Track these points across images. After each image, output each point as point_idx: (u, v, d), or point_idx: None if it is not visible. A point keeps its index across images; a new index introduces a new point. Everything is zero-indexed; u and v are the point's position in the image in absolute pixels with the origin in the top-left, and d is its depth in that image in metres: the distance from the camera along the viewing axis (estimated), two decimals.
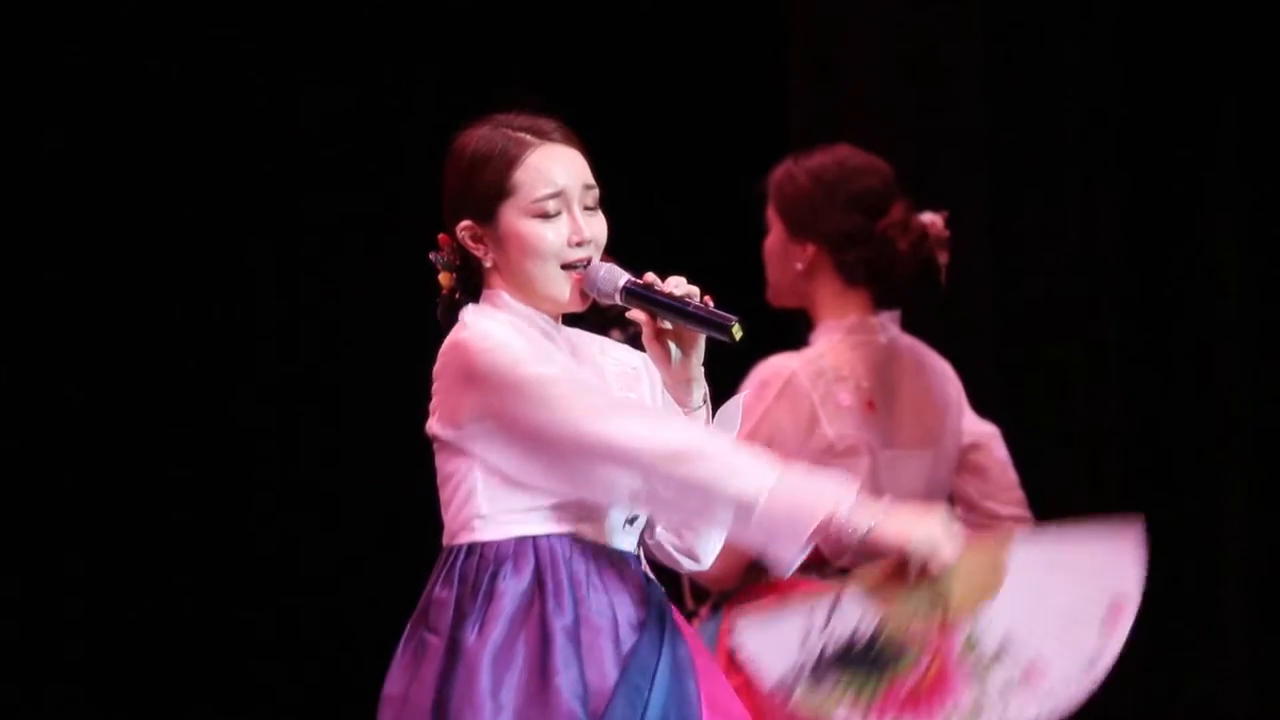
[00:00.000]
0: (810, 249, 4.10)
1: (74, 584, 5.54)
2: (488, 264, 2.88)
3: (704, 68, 5.63)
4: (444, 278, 2.92)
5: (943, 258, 4.13)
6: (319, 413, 5.69)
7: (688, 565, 2.91)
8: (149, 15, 5.48)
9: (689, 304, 2.77)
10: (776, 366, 4.05)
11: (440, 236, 2.91)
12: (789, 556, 2.70)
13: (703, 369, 2.84)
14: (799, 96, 5.49)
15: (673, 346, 2.83)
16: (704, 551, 2.90)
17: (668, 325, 2.84)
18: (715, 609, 4.12)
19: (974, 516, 4.25)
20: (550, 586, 2.77)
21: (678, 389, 2.84)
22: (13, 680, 5.44)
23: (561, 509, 2.80)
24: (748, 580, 4.07)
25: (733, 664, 4.00)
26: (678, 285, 2.80)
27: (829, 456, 4.03)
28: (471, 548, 2.82)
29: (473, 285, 2.91)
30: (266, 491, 5.67)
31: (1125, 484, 5.56)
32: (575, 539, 2.81)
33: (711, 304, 2.79)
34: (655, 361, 2.84)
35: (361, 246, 5.56)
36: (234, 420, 5.66)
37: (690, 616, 4.14)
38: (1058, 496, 5.06)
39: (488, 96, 2.98)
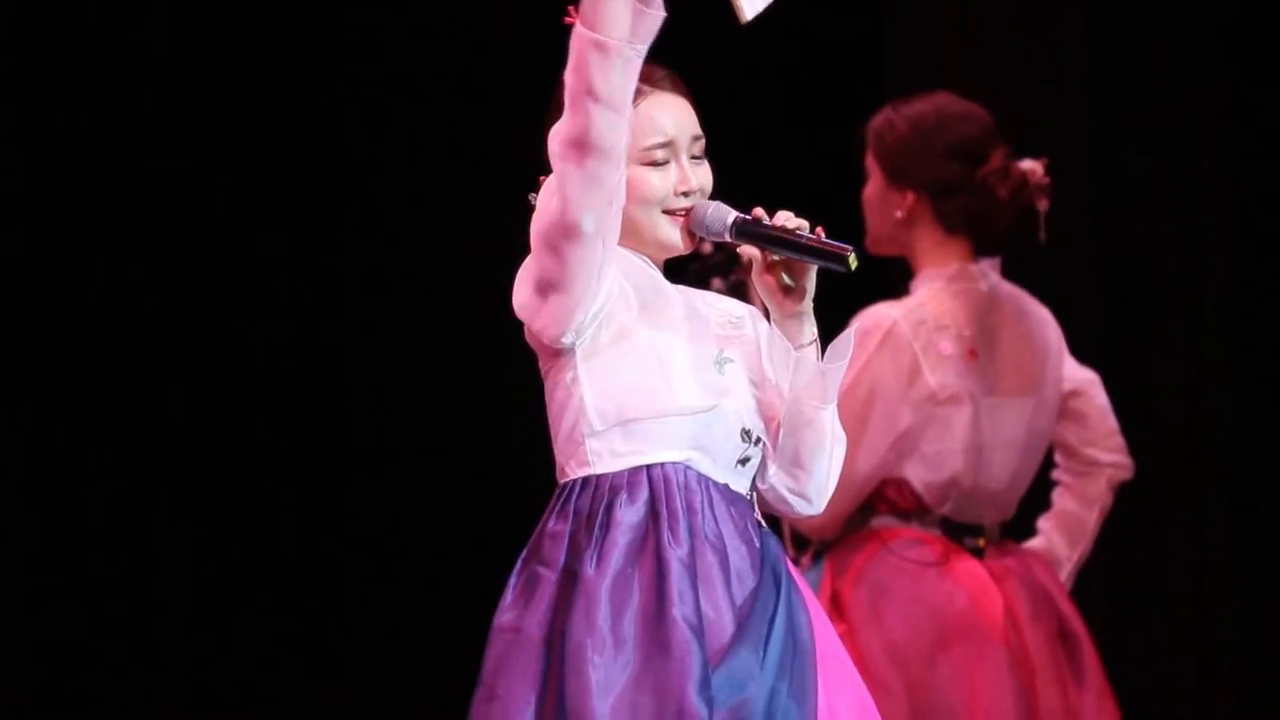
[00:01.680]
0: (910, 197, 4.10)
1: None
2: None
3: (802, 14, 5.62)
4: None
5: (1042, 205, 4.12)
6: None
7: (800, 507, 2.89)
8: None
9: (802, 236, 2.77)
10: (877, 316, 4.05)
11: (540, 178, 2.90)
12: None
13: (813, 305, 2.84)
14: (898, 45, 5.48)
15: (785, 279, 2.82)
16: (815, 492, 2.88)
17: (777, 260, 2.83)
18: (817, 558, 4.14)
19: (1074, 463, 4.25)
20: (665, 516, 2.76)
21: (788, 325, 2.83)
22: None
23: (675, 437, 2.81)
24: (849, 529, 4.10)
25: (836, 611, 4.03)
26: (789, 219, 2.80)
27: (932, 405, 4.04)
28: (586, 481, 2.82)
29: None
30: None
31: (1221, 425, 5.54)
32: (692, 469, 2.82)
33: (824, 235, 2.78)
34: (767, 297, 2.83)
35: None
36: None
37: (793, 565, 4.16)
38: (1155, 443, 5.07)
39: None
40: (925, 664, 4.02)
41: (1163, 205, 5.50)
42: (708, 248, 3.70)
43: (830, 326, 2.89)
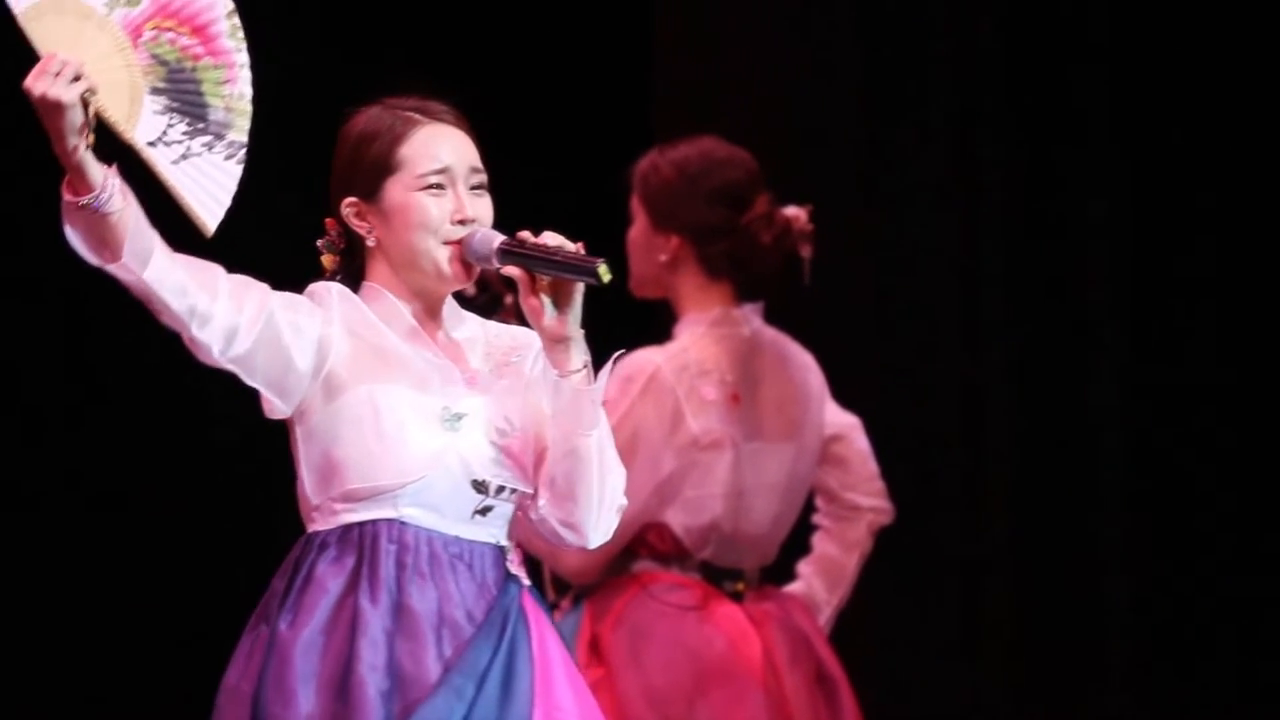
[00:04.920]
0: (674, 241, 4.10)
1: None
2: (370, 243, 2.87)
3: (570, 60, 5.63)
4: (327, 260, 2.92)
5: (806, 251, 4.14)
6: None
7: (571, 539, 2.86)
8: None
9: (556, 252, 2.77)
10: (640, 361, 4.05)
11: (327, 221, 2.90)
12: None
13: (582, 332, 2.82)
14: (664, 89, 5.50)
15: (546, 303, 2.81)
16: (585, 522, 2.85)
17: (543, 284, 2.82)
18: (577, 601, 4.12)
19: (835, 508, 4.27)
20: (366, 574, 2.77)
21: (555, 350, 2.81)
22: None
23: (390, 498, 2.80)
24: (609, 573, 4.08)
25: (595, 655, 4.02)
26: (549, 238, 2.79)
27: (694, 450, 4.04)
28: (309, 538, 2.83)
29: (355, 269, 2.90)
30: None
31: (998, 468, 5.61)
32: (407, 526, 2.80)
33: (583, 251, 2.77)
34: (533, 321, 2.81)
35: None
36: None
37: (552, 609, 4.14)
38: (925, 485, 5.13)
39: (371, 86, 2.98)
40: (684, 708, 4.02)
41: (934, 252, 5.56)
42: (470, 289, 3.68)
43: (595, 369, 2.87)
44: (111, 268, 2.64)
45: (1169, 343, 5.57)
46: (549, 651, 2.85)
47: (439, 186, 2.84)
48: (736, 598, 4.10)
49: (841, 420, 4.27)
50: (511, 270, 2.80)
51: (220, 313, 2.72)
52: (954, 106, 5.56)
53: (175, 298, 2.68)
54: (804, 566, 4.29)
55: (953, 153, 5.56)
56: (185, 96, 2.74)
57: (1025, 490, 5.60)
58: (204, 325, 2.72)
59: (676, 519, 4.06)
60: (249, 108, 2.78)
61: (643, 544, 4.08)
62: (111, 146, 2.66)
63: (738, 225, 4.10)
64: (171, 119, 2.74)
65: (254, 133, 2.80)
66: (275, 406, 2.83)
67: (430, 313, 2.90)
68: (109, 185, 2.58)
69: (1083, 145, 5.57)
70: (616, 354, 2.86)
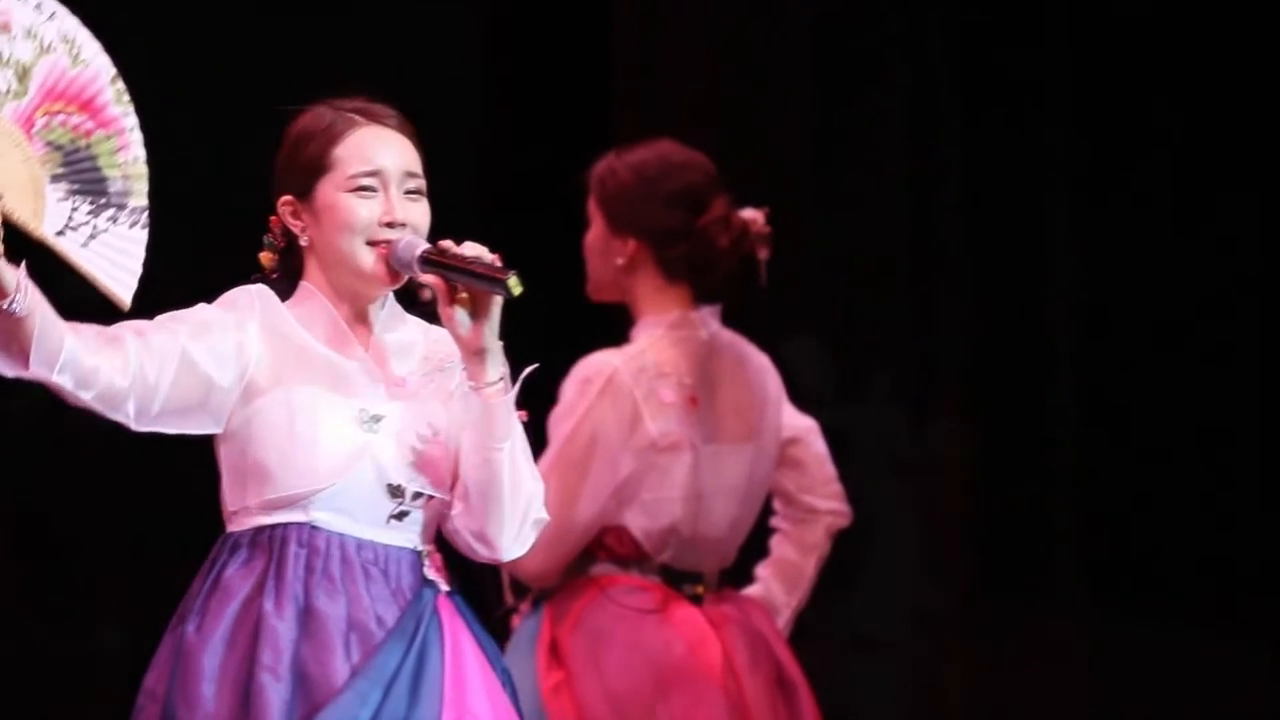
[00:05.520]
0: (631, 244, 4.09)
1: None
2: (304, 242, 2.87)
3: (529, 64, 5.62)
4: (264, 257, 2.91)
5: (763, 254, 4.14)
6: None
7: (482, 552, 2.86)
8: None
9: (470, 261, 2.76)
10: (598, 363, 4.04)
11: (271, 218, 2.90)
12: None
13: (500, 344, 2.82)
14: (623, 92, 5.50)
15: (461, 313, 2.80)
16: (496, 536, 2.85)
17: (461, 294, 2.82)
18: (536, 604, 4.11)
19: (793, 511, 4.27)
20: (273, 578, 2.77)
21: (471, 361, 2.80)
22: None
23: (304, 500, 2.80)
24: (568, 576, 4.08)
25: (555, 658, 4.02)
26: (469, 248, 2.79)
27: (652, 453, 4.03)
28: (224, 539, 2.84)
29: (292, 269, 2.90)
30: None
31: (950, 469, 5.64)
32: (319, 530, 2.80)
33: (499, 263, 2.77)
34: (450, 329, 2.81)
35: None
36: None
37: (511, 612, 4.14)
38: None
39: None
40: (644, 711, 4.01)
41: (889, 253, 5.58)
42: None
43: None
44: (21, 373, 2.63)
45: (1123, 337, 5.61)
46: (463, 657, 2.84)
47: (370, 189, 2.83)
48: (696, 600, 4.10)
49: (799, 423, 4.27)
50: (430, 278, 2.80)
51: (132, 387, 2.71)
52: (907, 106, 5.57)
53: (85, 390, 2.67)
54: (762, 569, 4.29)
55: (906, 150, 5.58)
56: (84, 176, 2.75)
57: (986, 473, 5.63)
58: (120, 405, 2.71)
59: (635, 521, 4.05)
60: (144, 169, 2.80)
61: (601, 547, 4.07)
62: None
63: (695, 228, 4.09)
64: (75, 202, 2.74)
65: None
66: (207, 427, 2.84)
67: (360, 314, 2.89)
68: (23, 286, 2.56)
69: (1037, 134, 5.60)
70: (529, 368, 2.86)
